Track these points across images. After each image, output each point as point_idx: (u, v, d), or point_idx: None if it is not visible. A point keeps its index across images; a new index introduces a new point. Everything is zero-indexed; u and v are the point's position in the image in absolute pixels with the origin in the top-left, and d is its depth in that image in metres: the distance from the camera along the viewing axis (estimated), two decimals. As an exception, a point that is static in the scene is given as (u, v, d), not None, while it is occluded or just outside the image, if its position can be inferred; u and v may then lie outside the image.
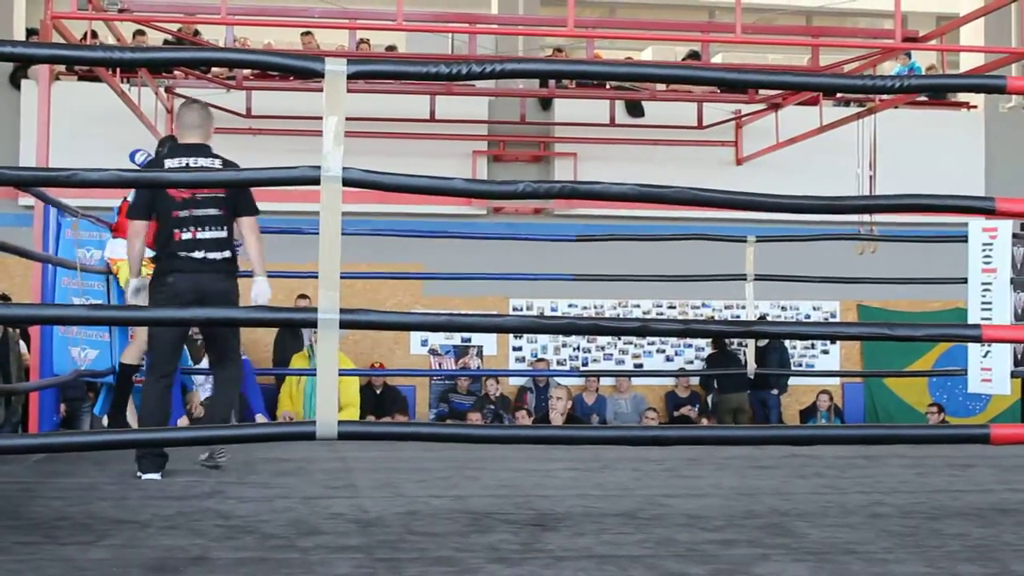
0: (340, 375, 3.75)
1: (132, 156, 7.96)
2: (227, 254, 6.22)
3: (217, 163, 6.23)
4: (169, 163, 6.18)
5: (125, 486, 4.95)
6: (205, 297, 6.01)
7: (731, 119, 15.37)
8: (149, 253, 6.51)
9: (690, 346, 15.78)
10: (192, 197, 6.09)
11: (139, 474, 5.52)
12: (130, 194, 6.84)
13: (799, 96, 14.24)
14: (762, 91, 14.67)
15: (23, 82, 14.60)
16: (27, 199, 12.62)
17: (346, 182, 3.62)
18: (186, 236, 6.09)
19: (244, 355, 8.46)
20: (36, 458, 5.81)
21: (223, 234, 6.20)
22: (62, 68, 14.29)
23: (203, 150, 6.24)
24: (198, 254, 6.11)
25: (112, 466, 5.61)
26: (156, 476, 5.59)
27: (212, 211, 6.15)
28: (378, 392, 14.12)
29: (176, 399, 8.04)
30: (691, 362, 15.76)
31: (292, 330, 12.96)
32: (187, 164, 6.16)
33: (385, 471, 5.65)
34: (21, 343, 12.15)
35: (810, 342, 15.81)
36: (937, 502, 4.64)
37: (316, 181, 3.60)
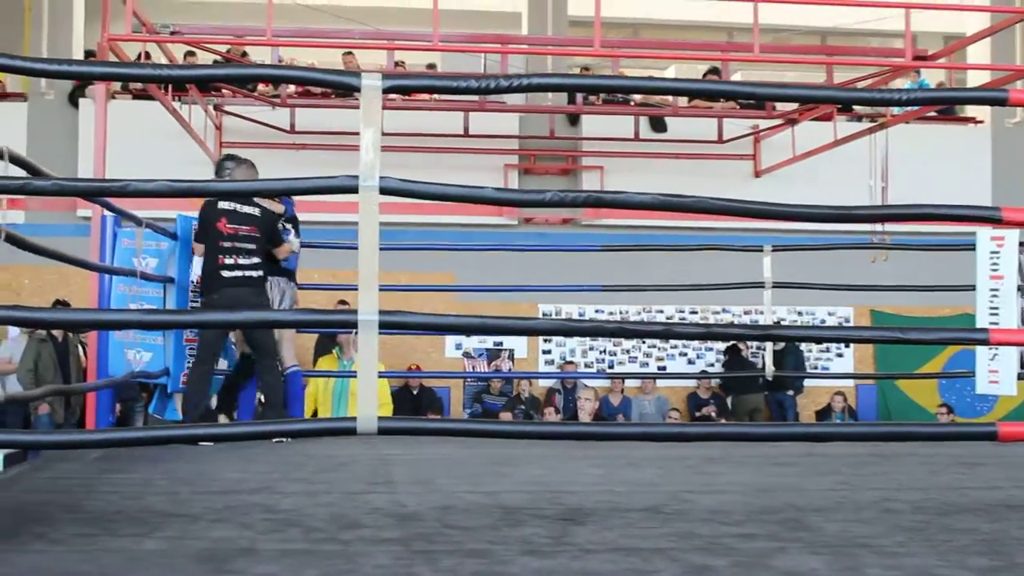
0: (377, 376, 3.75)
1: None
2: (260, 273, 7.60)
3: (256, 211, 7.64)
4: (222, 204, 7.51)
5: (176, 482, 4.96)
6: (243, 308, 7.15)
7: (749, 134, 15.34)
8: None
9: (711, 349, 15.75)
10: (235, 233, 7.52)
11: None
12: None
13: (814, 112, 14.20)
14: (779, 107, 14.65)
15: (81, 101, 14.72)
16: (85, 210, 12.70)
17: (383, 191, 3.63)
18: (228, 261, 7.47)
19: (297, 365, 8.42)
20: (94, 455, 5.83)
21: (258, 260, 7.59)
22: (117, 87, 14.38)
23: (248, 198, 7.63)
24: (237, 273, 7.47)
25: (164, 463, 5.63)
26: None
27: (249, 245, 7.54)
28: (415, 393, 14.15)
29: (249, 399, 8.39)
30: (712, 365, 15.73)
31: (329, 334, 12.91)
32: (235, 207, 7.55)
33: (421, 468, 5.65)
34: (79, 347, 12.25)
35: (825, 345, 15.73)
36: (947, 498, 4.60)
37: (354, 190, 3.61)
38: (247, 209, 7.60)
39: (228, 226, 7.52)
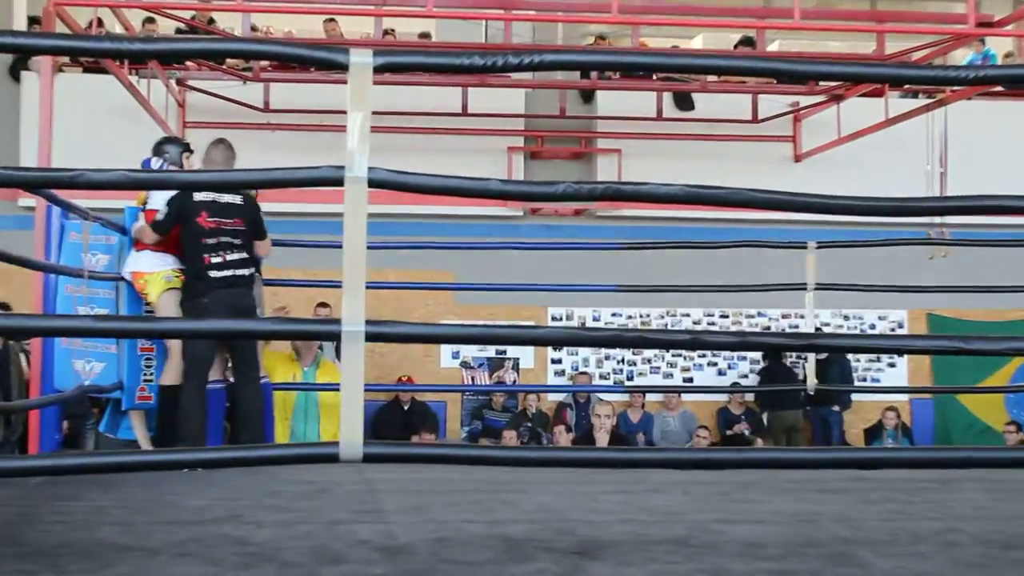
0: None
1: (146, 165, 8.02)
2: (251, 270, 7.69)
3: (239, 199, 7.65)
4: (198, 196, 7.51)
5: (133, 510, 4.95)
6: (236, 312, 7.33)
7: (788, 112, 15.32)
8: (176, 263, 7.82)
9: (744, 359, 15.71)
10: (218, 227, 7.51)
11: None
12: (150, 202, 7.87)
13: (863, 87, 14.17)
14: (822, 82, 14.62)
15: (23, 74, 14.70)
16: (28, 200, 12.71)
17: (372, 183, 3.61)
18: (216, 260, 7.50)
19: (265, 376, 8.45)
20: (37, 480, 5.83)
21: (246, 255, 7.67)
22: (66, 59, 14.37)
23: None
24: (227, 272, 7.50)
25: (119, 489, 5.62)
26: None
27: (236, 240, 7.59)
28: (406, 408, 14.12)
29: (219, 414, 8.26)
30: (745, 376, 15.68)
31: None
32: (214, 198, 7.54)
33: (414, 493, 5.65)
34: (21, 356, 12.23)
35: (875, 355, 15.70)
36: (1016, 529, 4.60)
37: (340, 182, 3.60)
38: (228, 198, 7.62)
39: (209, 220, 7.54)
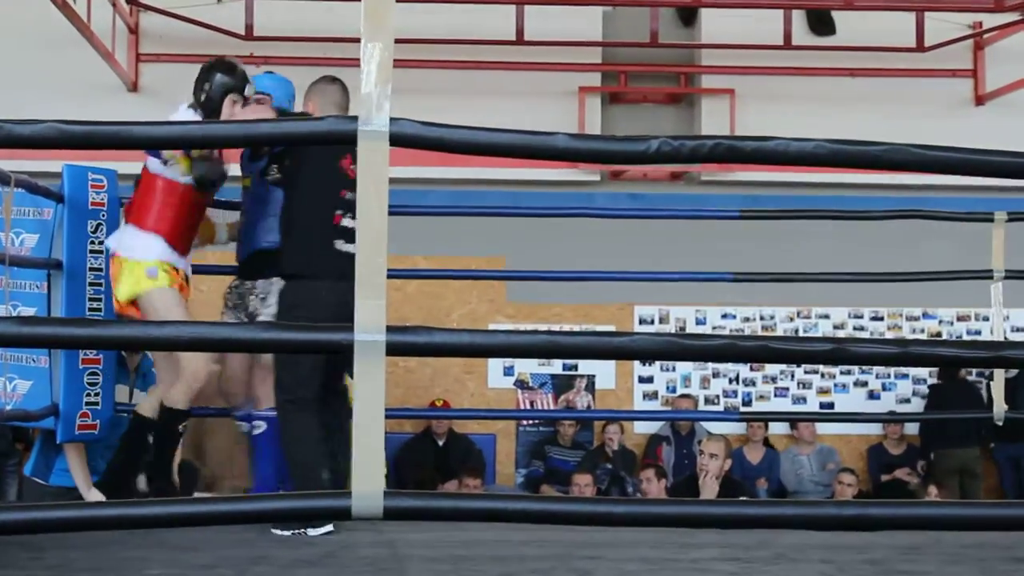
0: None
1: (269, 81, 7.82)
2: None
3: None
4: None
5: (73, 583, 5.00)
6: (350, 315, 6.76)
7: (967, 36, 15.23)
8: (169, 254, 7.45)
9: (905, 376, 15.58)
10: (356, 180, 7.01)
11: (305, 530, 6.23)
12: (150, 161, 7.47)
13: (1070, 2, 14.10)
14: (1014, -5, 14.56)
15: (-78, -9, 14.84)
16: (-71, 162, 12.81)
17: (394, 139, 3.61)
18: (348, 223, 6.94)
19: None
20: (-57, 542, 5.89)
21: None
22: (-22, -30, 14.47)
23: None
24: (352, 249, 7.03)
25: (54, 552, 5.67)
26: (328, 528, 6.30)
27: None
28: (441, 443, 14.11)
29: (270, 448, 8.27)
30: (906, 401, 15.54)
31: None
32: None
33: (451, 560, 5.67)
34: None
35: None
36: None
37: (352, 139, 3.61)
38: None
39: (353, 168, 7.08)
